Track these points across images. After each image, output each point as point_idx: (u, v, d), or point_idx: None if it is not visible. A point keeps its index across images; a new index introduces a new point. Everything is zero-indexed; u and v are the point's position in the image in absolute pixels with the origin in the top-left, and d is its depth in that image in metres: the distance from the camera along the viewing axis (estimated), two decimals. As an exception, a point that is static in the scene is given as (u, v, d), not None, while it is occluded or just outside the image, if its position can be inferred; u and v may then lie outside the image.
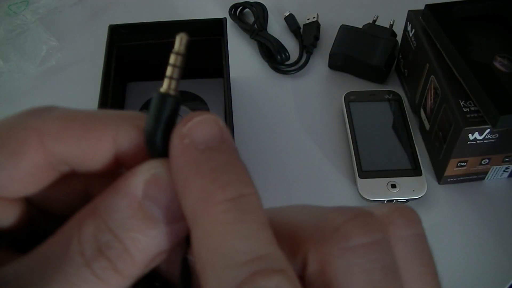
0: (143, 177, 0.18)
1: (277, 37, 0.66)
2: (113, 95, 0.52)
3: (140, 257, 0.17)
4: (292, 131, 0.59)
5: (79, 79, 0.64)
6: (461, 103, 0.48)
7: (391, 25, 0.63)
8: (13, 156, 0.17)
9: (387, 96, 0.59)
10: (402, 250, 0.18)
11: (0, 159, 0.17)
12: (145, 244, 0.17)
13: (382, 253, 0.17)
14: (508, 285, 0.47)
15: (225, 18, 0.57)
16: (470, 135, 0.47)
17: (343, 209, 0.18)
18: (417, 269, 0.18)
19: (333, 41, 0.64)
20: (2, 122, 0.18)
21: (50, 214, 0.21)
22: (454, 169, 0.51)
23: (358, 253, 0.17)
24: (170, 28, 0.57)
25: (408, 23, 0.58)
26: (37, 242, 0.18)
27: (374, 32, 0.63)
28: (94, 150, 0.18)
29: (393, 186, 0.51)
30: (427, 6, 0.54)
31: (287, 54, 0.64)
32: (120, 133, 0.18)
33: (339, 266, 0.16)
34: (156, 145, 0.18)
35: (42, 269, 0.17)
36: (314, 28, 0.67)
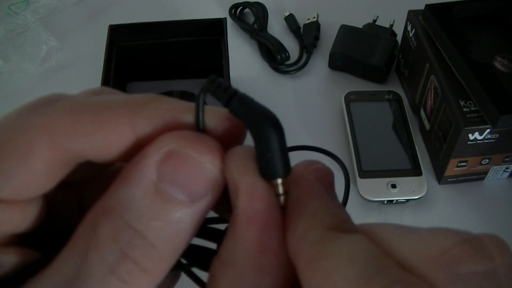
0: (156, 157, 0.15)
1: (277, 37, 0.66)
2: (113, 95, 0.52)
3: (167, 249, 0.15)
4: (292, 131, 0.58)
5: (79, 79, 0.64)
6: (461, 103, 0.48)
7: (391, 25, 0.63)
8: (24, 160, 0.15)
9: (387, 96, 0.59)
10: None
11: (10, 164, 0.15)
12: (170, 232, 0.15)
13: (493, 285, 0.14)
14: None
15: (225, 18, 0.56)
16: (470, 135, 0.47)
17: (446, 231, 0.15)
18: None
19: (333, 41, 0.64)
20: (6, 121, 0.16)
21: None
22: (454, 169, 0.51)
23: (470, 282, 0.14)
24: (170, 28, 0.57)
25: (408, 23, 0.58)
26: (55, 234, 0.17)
27: (374, 32, 0.63)
28: (111, 142, 0.16)
29: (393, 186, 0.51)
30: (427, 6, 0.54)
31: (287, 54, 0.64)
32: (139, 121, 0.16)
33: None
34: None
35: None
36: (314, 28, 0.67)
